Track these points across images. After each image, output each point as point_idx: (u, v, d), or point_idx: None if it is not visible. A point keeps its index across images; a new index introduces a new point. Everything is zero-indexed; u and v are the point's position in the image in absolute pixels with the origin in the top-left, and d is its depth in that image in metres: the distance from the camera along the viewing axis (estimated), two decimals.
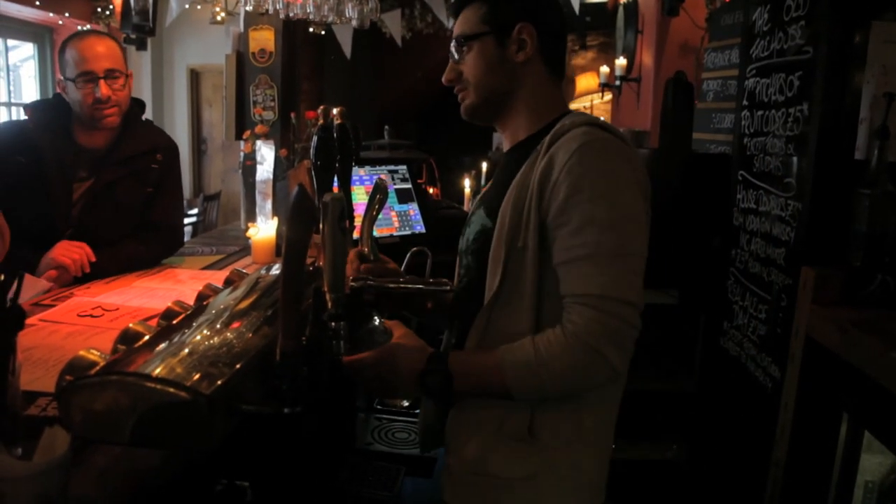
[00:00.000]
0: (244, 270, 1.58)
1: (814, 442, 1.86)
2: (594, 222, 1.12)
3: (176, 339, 1.05)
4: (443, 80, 1.37)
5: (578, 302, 1.12)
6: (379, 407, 1.95)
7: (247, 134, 3.14)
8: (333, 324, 1.08)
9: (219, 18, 5.78)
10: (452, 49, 1.35)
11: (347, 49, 5.26)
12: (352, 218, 1.45)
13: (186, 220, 6.00)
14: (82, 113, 2.07)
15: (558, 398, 1.20)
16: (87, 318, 1.69)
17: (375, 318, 1.34)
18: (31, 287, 1.86)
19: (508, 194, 1.23)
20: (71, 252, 1.98)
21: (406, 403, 1.77)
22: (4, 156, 2.04)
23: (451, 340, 1.40)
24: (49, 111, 2.13)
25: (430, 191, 3.55)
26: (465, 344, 1.27)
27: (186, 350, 0.99)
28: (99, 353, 0.97)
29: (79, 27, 6.36)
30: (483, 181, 3.38)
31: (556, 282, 1.17)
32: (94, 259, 2.02)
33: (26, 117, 2.16)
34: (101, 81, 2.03)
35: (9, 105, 6.35)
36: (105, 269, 2.09)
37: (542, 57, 1.32)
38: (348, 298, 1.12)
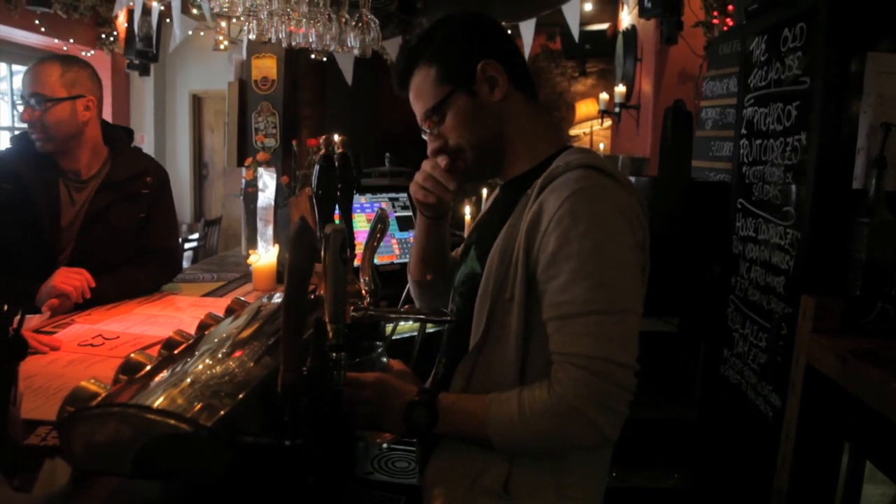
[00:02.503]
0: (245, 299, 1.58)
1: (815, 472, 1.85)
2: (584, 278, 1.06)
3: (178, 369, 1.05)
4: (429, 153, 1.29)
5: (566, 361, 1.07)
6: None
7: (248, 161, 3.16)
8: (334, 354, 1.08)
9: (222, 46, 5.84)
10: (424, 127, 1.27)
11: (349, 76, 5.31)
12: (353, 247, 1.46)
13: (187, 245, 6.02)
14: None
15: (540, 454, 1.17)
16: (88, 346, 1.69)
17: (379, 349, 1.34)
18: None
19: (497, 241, 1.18)
20: (71, 279, 1.98)
21: (385, 445, 1.67)
22: None
23: (439, 372, 1.37)
24: (30, 138, 2.15)
25: None
26: (451, 383, 1.23)
27: (188, 380, 0.99)
28: (100, 384, 0.97)
29: (83, 53, 6.43)
30: (483, 207, 3.37)
31: (544, 333, 1.12)
32: (93, 285, 2.03)
33: (11, 146, 2.18)
34: (26, 107, 2.04)
35: (12, 129, 6.39)
36: (106, 294, 2.09)
37: (515, 86, 1.24)
38: (349, 329, 1.13)
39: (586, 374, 1.04)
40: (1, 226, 2.04)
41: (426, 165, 1.30)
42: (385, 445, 1.55)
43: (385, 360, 1.32)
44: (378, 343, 1.35)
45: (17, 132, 5.97)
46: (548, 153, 1.24)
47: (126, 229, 2.22)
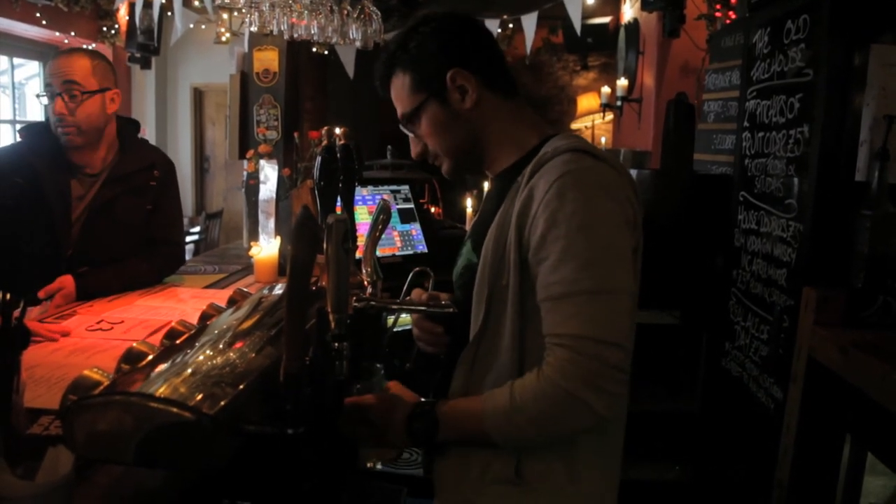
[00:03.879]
0: (247, 290, 1.58)
1: (817, 463, 1.85)
2: (572, 258, 1.07)
3: (179, 359, 1.06)
4: (412, 156, 1.33)
5: (555, 343, 1.07)
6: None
7: (250, 153, 3.16)
8: (336, 344, 1.08)
9: (223, 39, 5.83)
10: (404, 129, 1.32)
11: (350, 69, 5.30)
12: (354, 238, 1.46)
13: (189, 239, 6.02)
14: (53, 129, 2.07)
15: (542, 443, 1.16)
16: (97, 331, 1.70)
17: (381, 372, 1.34)
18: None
19: (491, 230, 1.19)
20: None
21: (380, 466, 1.65)
22: (2, 178, 2.05)
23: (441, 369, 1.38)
24: (42, 132, 2.14)
25: (432, 210, 3.56)
26: (453, 375, 1.24)
27: (190, 370, 0.99)
28: (103, 373, 0.98)
29: (84, 46, 6.42)
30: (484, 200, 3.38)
31: (539, 316, 1.12)
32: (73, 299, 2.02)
33: (20, 139, 2.17)
34: (58, 98, 2.01)
35: (13, 122, 6.39)
36: (108, 286, 2.10)
37: (490, 90, 1.25)
38: (351, 319, 1.13)
39: (574, 355, 1.04)
40: (14, 220, 2.04)
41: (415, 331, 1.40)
42: (379, 466, 1.53)
43: (384, 383, 1.32)
44: (378, 365, 1.35)
45: (20, 125, 5.95)
46: (533, 143, 1.25)
47: (132, 222, 2.21)
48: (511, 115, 1.28)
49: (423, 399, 1.23)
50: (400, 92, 1.29)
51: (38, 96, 2.06)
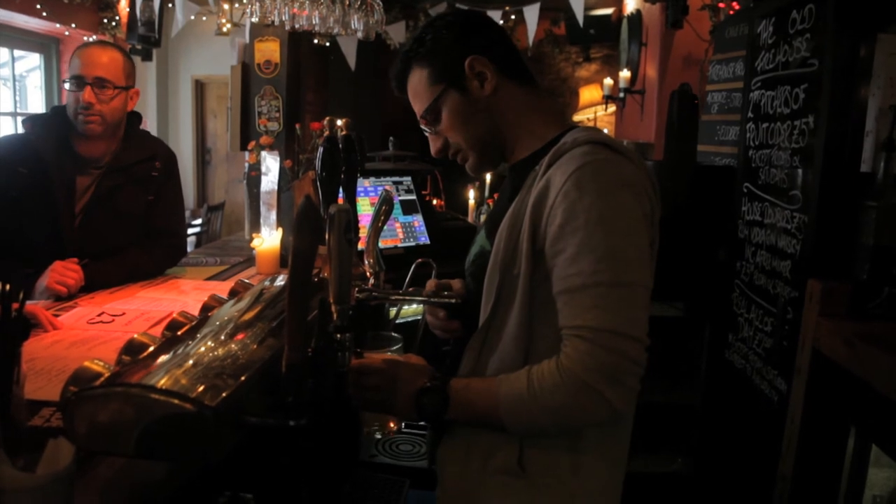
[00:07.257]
0: (248, 281, 1.57)
1: (821, 456, 1.85)
2: (590, 250, 1.06)
3: (181, 351, 1.05)
4: (432, 154, 1.33)
5: (574, 334, 1.06)
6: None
7: (252, 145, 3.15)
8: (339, 335, 1.07)
9: (224, 30, 5.81)
10: (423, 126, 1.31)
11: (352, 60, 5.29)
12: (357, 229, 1.45)
13: (190, 231, 6.02)
14: (71, 116, 2.09)
15: (552, 433, 1.15)
16: (98, 324, 1.69)
17: (399, 344, 1.33)
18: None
19: (505, 218, 1.18)
20: (65, 278, 1.95)
21: (378, 435, 1.64)
22: (7, 168, 2.05)
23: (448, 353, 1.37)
24: (48, 123, 2.14)
25: (435, 202, 3.55)
26: (461, 361, 1.23)
27: (191, 361, 0.98)
28: (103, 364, 0.97)
29: (84, 38, 6.40)
30: (487, 192, 3.38)
31: (551, 311, 1.11)
32: (83, 283, 2.01)
33: (25, 130, 2.17)
34: (88, 87, 2.04)
35: (14, 115, 6.37)
36: (109, 277, 2.09)
37: (507, 76, 1.26)
38: (353, 310, 1.12)
39: (593, 347, 1.03)
40: (18, 209, 2.03)
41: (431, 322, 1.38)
42: (378, 435, 1.52)
43: (401, 354, 1.31)
44: (395, 335, 1.35)
45: (21, 117, 5.93)
46: (553, 134, 1.24)
47: (133, 213, 2.21)
48: (529, 102, 1.28)
49: (436, 372, 1.22)
50: (418, 87, 1.29)
51: (64, 82, 2.08)
